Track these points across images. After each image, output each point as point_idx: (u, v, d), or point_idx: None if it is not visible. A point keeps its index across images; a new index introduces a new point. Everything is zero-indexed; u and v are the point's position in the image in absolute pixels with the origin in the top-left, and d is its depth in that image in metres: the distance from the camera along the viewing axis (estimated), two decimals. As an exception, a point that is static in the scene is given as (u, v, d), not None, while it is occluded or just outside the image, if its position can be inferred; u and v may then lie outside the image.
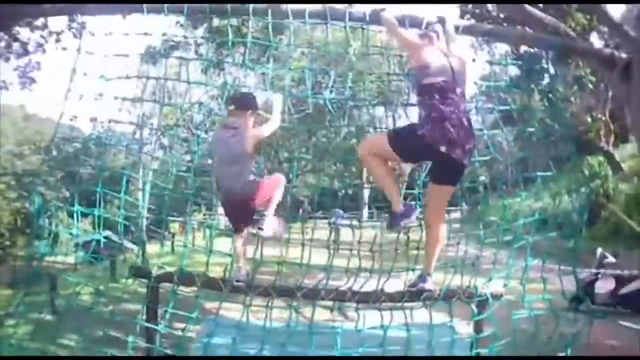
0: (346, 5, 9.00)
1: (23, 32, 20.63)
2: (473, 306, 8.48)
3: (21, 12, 13.79)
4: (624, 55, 10.38)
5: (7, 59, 21.10)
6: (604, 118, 32.67)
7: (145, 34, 9.62)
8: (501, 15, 17.95)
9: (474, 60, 9.46)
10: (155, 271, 8.39)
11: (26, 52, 21.41)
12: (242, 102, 8.42)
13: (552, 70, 26.02)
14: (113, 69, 9.01)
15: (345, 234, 9.61)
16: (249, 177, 8.20)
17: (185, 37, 16.63)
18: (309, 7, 8.32)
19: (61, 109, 8.58)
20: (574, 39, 12.15)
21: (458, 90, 7.32)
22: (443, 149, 7.03)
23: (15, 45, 20.88)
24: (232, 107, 8.36)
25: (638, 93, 10.35)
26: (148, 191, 17.85)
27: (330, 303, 8.42)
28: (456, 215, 10.81)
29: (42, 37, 21.29)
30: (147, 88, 18.75)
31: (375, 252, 8.88)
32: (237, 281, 8.15)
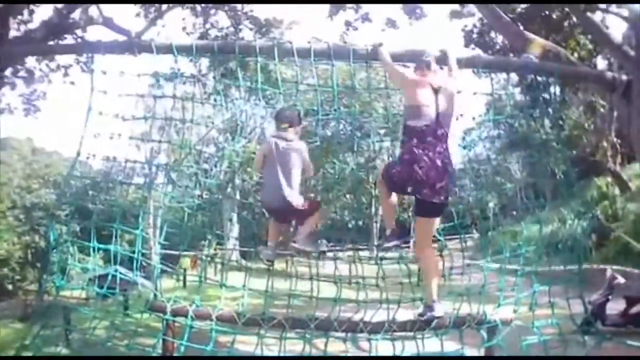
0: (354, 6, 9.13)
1: (30, 61, 20.71)
2: (483, 332, 8.54)
3: (32, 51, 14.02)
4: (624, 77, 10.48)
5: (14, 86, 21.13)
6: (610, 138, 32.69)
7: (154, 74, 9.79)
8: (505, 42, 18.09)
9: (460, 92, 9.50)
10: (170, 305, 8.48)
11: (32, 80, 21.49)
12: (293, 119, 8.56)
13: (558, 94, 26.15)
14: (123, 106, 9.18)
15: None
16: (298, 190, 8.40)
17: (196, 74, 16.81)
18: (313, 46, 8.47)
19: (73, 146, 8.77)
20: (575, 64, 12.27)
21: (439, 132, 7.60)
22: (409, 189, 7.53)
23: (22, 72, 20.95)
24: (284, 125, 8.45)
25: (638, 112, 10.44)
26: (159, 226, 17.98)
27: (343, 334, 8.50)
28: (468, 243, 10.83)
29: (47, 66, 21.39)
30: (156, 123, 18.86)
31: (379, 283, 9.00)
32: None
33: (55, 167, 60.71)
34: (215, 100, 14.13)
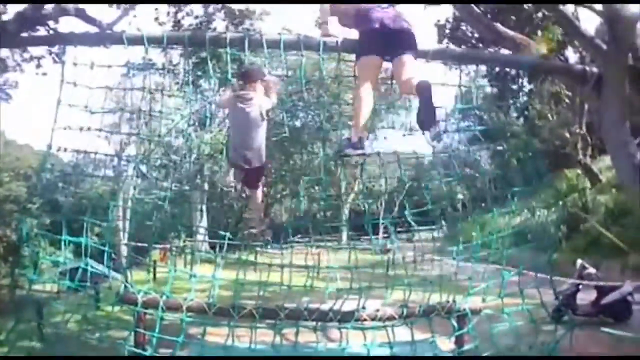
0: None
1: (3, 51, 20.53)
2: (453, 321, 8.63)
3: (4, 43, 13.88)
4: (595, 70, 10.57)
5: None
6: (581, 131, 32.85)
7: (125, 64, 9.78)
8: (476, 36, 18.13)
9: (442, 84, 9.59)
10: (141, 297, 8.49)
11: (5, 70, 21.31)
12: (251, 75, 8.90)
13: (528, 87, 26.34)
14: (93, 97, 9.16)
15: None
16: (264, 143, 8.83)
17: (166, 65, 16.68)
18: (283, 37, 8.52)
19: (44, 138, 8.76)
20: (545, 57, 12.33)
21: None
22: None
23: None
24: (242, 82, 8.85)
25: (609, 106, 10.52)
26: (128, 219, 17.93)
27: (313, 323, 8.57)
28: (436, 234, 10.92)
29: (20, 56, 21.22)
30: (125, 114, 18.83)
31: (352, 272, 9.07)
32: (251, 228, 8.66)
33: (26, 160, 60.21)
34: (184, 91, 14.13)
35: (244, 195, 9.50)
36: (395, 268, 9.69)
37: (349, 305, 8.65)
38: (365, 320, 8.37)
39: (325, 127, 11.81)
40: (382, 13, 7.96)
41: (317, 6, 9.13)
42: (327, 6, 8.37)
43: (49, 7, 16.79)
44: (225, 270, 9.75)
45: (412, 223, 9.66)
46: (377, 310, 8.48)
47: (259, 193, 9.25)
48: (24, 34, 13.03)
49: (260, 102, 8.74)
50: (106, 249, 9.22)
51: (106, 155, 12.06)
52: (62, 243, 9.02)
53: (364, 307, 8.49)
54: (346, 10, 8.27)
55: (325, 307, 8.65)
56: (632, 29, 10.66)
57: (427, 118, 7.20)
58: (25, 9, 16.36)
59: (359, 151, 7.89)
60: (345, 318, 8.36)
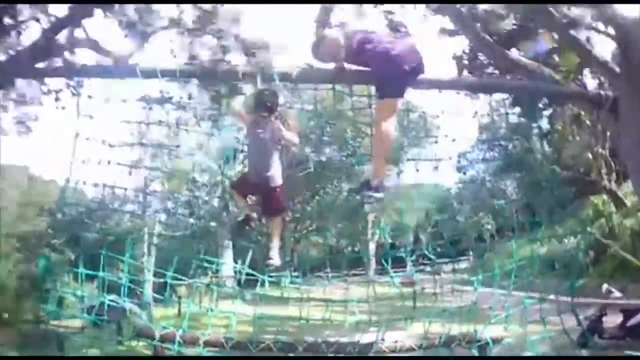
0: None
1: (21, 84, 20.59)
2: (474, 351, 8.54)
3: (17, 72, 14.00)
4: (610, 94, 10.49)
5: (6, 109, 21.00)
6: (604, 156, 32.66)
7: (143, 98, 9.81)
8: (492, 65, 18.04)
9: (476, 112, 9.57)
10: (158, 332, 8.49)
11: (24, 103, 21.37)
12: (272, 107, 8.68)
13: (549, 114, 26.16)
14: (114, 132, 9.20)
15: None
16: (278, 168, 8.79)
17: (184, 99, 16.62)
18: (295, 70, 8.50)
19: (65, 172, 8.80)
20: (560, 82, 12.26)
21: None
22: None
23: (12, 95, 20.83)
24: (263, 113, 8.58)
25: (626, 130, 10.42)
26: (154, 255, 17.94)
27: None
28: (465, 265, 10.90)
29: (40, 89, 21.30)
30: (149, 149, 18.92)
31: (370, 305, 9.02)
32: (269, 260, 8.60)
33: (51, 195, 60.38)
34: (205, 126, 14.14)
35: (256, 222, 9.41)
36: (419, 300, 9.64)
37: (367, 337, 8.59)
38: (384, 352, 8.30)
39: (350, 161, 11.77)
40: (403, 45, 7.91)
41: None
42: (334, 37, 8.25)
43: (62, 38, 17.00)
44: (251, 305, 9.73)
45: (432, 257, 9.58)
46: (396, 342, 8.40)
47: (279, 222, 9.17)
48: (39, 65, 13.16)
49: (277, 126, 8.68)
50: (124, 282, 9.20)
51: (130, 190, 12.09)
52: (79, 277, 9.06)
53: (382, 339, 8.41)
54: (357, 41, 8.13)
55: (344, 339, 8.59)
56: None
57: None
58: (39, 39, 16.58)
59: (378, 195, 7.84)
60: (364, 350, 8.28)
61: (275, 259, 8.63)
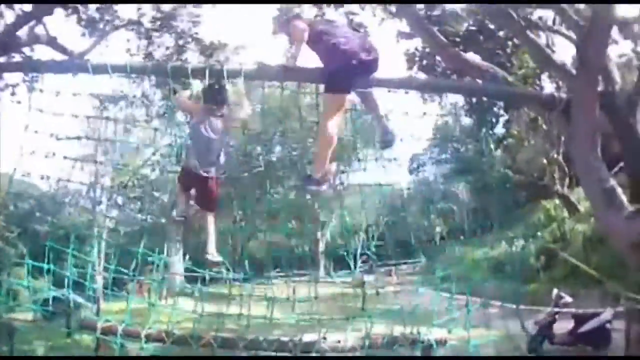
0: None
1: None
2: (418, 352, 8.58)
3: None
4: (564, 96, 10.57)
5: None
6: (557, 160, 32.90)
7: (96, 95, 9.74)
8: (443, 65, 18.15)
9: (424, 113, 9.60)
10: (100, 324, 8.46)
11: None
12: (221, 100, 8.76)
13: (505, 117, 26.35)
14: (64, 126, 9.15)
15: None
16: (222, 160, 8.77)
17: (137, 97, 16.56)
18: (244, 67, 8.49)
19: (15, 165, 8.74)
20: (513, 84, 12.34)
21: None
22: None
23: None
24: (212, 106, 8.65)
25: (577, 132, 10.50)
26: (103, 250, 17.81)
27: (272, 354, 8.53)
28: (416, 268, 10.96)
29: None
30: (101, 144, 18.77)
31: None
32: (213, 263, 8.60)
33: (5, 188, 59.93)
34: (158, 123, 14.09)
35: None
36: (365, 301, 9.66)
37: (309, 336, 8.60)
38: (326, 351, 8.32)
39: (301, 161, 11.78)
40: (357, 41, 7.94)
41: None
42: (302, 27, 8.23)
43: (22, 34, 16.87)
44: (196, 301, 9.73)
45: (374, 258, 9.63)
46: (339, 342, 8.42)
47: (213, 219, 9.09)
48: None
49: (230, 115, 8.80)
50: (69, 275, 9.17)
51: (81, 184, 12.06)
52: (28, 268, 9.04)
53: (324, 338, 8.42)
54: (317, 31, 8.14)
55: (285, 338, 8.60)
56: (601, 52, 10.67)
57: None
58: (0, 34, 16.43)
59: (320, 188, 7.85)
60: (305, 349, 8.29)
61: (213, 255, 8.62)
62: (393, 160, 9.94)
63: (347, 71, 7.80)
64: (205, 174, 8.50)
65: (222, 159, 8.71)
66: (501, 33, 17.82)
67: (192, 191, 8.98)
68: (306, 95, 10.45)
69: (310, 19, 8.69)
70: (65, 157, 9.48)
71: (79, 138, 10.05)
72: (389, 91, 8.88)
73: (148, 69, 8.93)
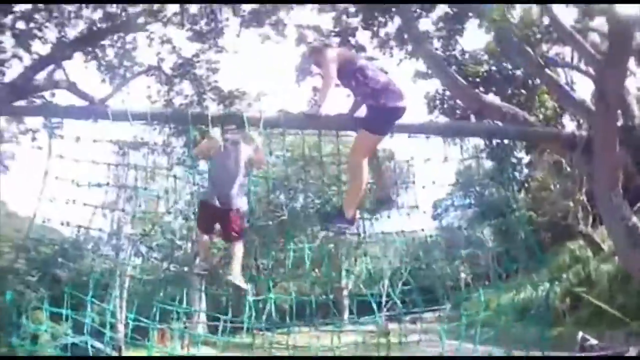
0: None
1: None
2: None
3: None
4: (584, 134, 10.46)
5: None
6: (581, 200, 32.63)
7: (117, 142, 9.76)
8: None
9: (446, 159, 9.55)
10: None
11: (1, 140, 21.18)
12: (237, 122, 8.66)
13: (527, 158, 26.14)
14: (86, 173, 9.15)
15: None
16: (241, 193, 8.89)
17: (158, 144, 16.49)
18: (264, 115, 8.45)
19: (47, 212, 8.77)
20: (533, 124, 12.24)
21: None
22: None
23: None
24: (231, 127, 8.70)
25: (599, 169, 10.38)
26: (124, 298, 17.72)
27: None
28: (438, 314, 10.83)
29: (17, 127, 21.13)
30: (123, 191, 18.75)
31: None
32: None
33: (23, 232, 60.12)
34: (183, 171, 14.08)
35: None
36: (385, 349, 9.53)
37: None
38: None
39: (324, 209, 11.69)
40: (396, 86, 8.08)
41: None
42: (333, 70, 8.22)
43: (40, 78, 16.97)
44: (218, 349, 9.66)
45: (399, 305, 9.52)
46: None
47: (240, 246, 8.95)
48: (17, 103, 13.05)
49: (246, 149, 8.82)
50: (87, 321, 9.12)
51: (101, 231, 12.05)
52: (47, 313, 9.02)
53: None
54: (356, 67, 8.26)
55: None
56: (620, 84, 10.57)
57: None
58: (16, 78, 16.54)
59: (351, 227, 7.82)
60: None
61: (237, 277, 8.54)
62: (416, 207, 9.86)
63: (390, 114, 7.96)
64: (225, 206, 8.42)
65: (241, 189, 8.82)
66: (520, 72, 17.76)
67: (217, 226, 8.91)
68: (328, 143, 10.41)
69: (347, 50, 8.72)
70: (85, 205, 9.49)
71: (99, 185, 10.06)
72: (410, 136, 8.84)
73: (168, 117, 8.91)
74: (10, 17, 18.33)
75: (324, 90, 8.34)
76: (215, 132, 8.85)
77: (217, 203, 8.53)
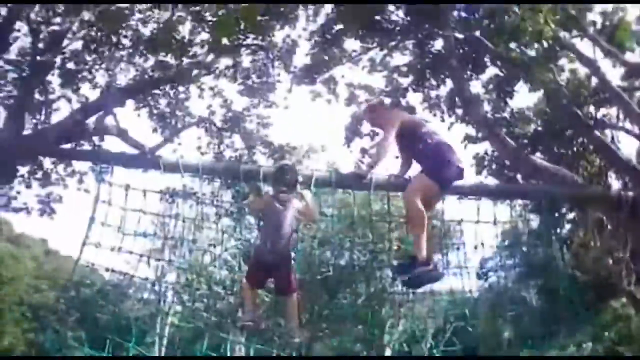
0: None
1: (46, 163, 20.60)
2: None
3: (45, 151, 14.10)
4: (630, 194, 10.40)
5: (30, 185, 20.95)
6: (625, 259, 32.27)
7: (162, 191, 9.86)
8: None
9: (495, 221, 9.54)
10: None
11: (48, 183, 21.33)
12: (290, 185, 8.66)
13: (569, 217, 25.99)
14: (132, 219, 9.24)
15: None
16: (292, 248, 8.85)
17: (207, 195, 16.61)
18: (316, 174, 8.54)
19: (88, 253, 8.86)
20: (581, 185, 12.20)
21: None
22: None
23: (38, 174, 20.80)
24: (281, 187, 8.59)
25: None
26: (165, 345, 17.77)
27: None
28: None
29: (64, 170, 21.28)
30: (167, 242, 18.93)
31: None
32: (243, 322, 8.53)
33: (66, 271, 60.40)
34: (222, 222, 14.17)
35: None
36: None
37: None
38: None
39: (371, 265, 11.68)
40: (456, 152, 8.30)
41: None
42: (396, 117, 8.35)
43: (90, 123, 17.23)
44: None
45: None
46: None
47: (295, 299, 8.95)
48: (66, 146, 13.24)
49: (296, 204, 8.68)
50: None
51: (145, 279, 12.13)
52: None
53: None
54: (420, 130, 8.41)
55: None
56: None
57: None
58: (65, 120, 16.80)
59: (428, 267, 7.78)
60: None
61: (298, 336, 8.54)
62: (464, 268, 9.84)
63: (454, 171, 8.15)
64: (277, 261, 8.46)
65: (293, 242, 8.75)
66: (568, 132, 17.73)
67: (269, 281, 8.90)
68: (376, 202, 10.44)
69: (410, 114, 8.84)
70: (131, 253, 9.58)
71: (145, 235, 10.13)
72: (459, 198, 8.87)
73: (219, 170, 9.01)
74: (59, 57, 18.66)
75: (381, 151, 8.44)
76: (268, 189, 8.93)
77: (270, 259, 8.56)
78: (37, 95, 18.29)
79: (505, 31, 12.66)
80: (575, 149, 18.09)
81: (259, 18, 15.26)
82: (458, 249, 10.40)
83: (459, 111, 16.92)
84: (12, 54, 18.58)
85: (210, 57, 18.19)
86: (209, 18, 16.72)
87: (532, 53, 12.95)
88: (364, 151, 8.93)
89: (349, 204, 9.40)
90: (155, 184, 9.82)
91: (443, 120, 17.46)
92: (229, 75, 20.05)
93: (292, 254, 8.91)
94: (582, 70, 16.33)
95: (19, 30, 18.28)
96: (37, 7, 17.72)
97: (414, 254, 7.88)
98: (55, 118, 18.78)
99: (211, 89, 20.76)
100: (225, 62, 19.30)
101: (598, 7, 15.55)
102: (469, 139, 18.06)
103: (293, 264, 8.86)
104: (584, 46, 15.27)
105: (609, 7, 15.57)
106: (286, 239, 8.50)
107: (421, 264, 7.70)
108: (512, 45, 13.05)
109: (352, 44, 17.23)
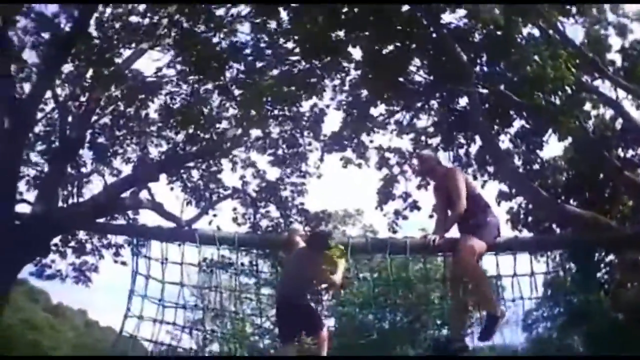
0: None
1: (80, 233, 20.57)
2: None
3: (78, 225, 14.31)
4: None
5: (64, 255, 20.96)
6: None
7: (200, 264, 9.95)
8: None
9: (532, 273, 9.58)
10: None
11: (83, 252, 21.33)
12: (320, 244, 8.61)
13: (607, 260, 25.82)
14: (172, 290, 9.36)
15: None
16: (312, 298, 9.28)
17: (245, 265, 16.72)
18: (351, 240, 8.65)
19: (129, 325, 8.96)
20: (614, 229, 12.21)
21: None
22: None
23: (72, 243, 20.81)
24: (314, 250, 8.56)
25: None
26: None
27: None
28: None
29: (99, 240, 21.26)
30: (208, 313, 19.03)
31: None
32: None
33: (106, 342, 60.50)
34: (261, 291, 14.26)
35: None
36: None
37: None
38: None
39: (414, 327, 11.72)
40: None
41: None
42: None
43: (125, 197, 17.43)
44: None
45: None
46: None
47: (325, 344, 8.89)
48: (101, 220, 13.42)
49: (325, 261, 8.63)
50: None
51: (187, 350, 12.20)
52: None
53: None
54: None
55: None
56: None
57: None
58: (99, 195, 17.01)
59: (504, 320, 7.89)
60: None
61: None
62: (505, 323, 9.87)
63: (497, 229, 8.51)
64: (298, 301, 8.46)
65: (311, 290, 8.73)
66: (599, 176, 17.72)
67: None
68: (417, 264, 10.51)
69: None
70: (173, 324, 9.68)
71: (184, 307, 10.21)
72: (496, 254, 8.91)
73: (256, 242, 9.09)
74: (89, 131, 18.91)
75: (455, 213, 8.41)
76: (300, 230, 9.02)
77: (289, 297, 8.54)
78: (69, 169, 18.51)
79: (527, 80, 12.73)
80: (607, 192, 18.07)
81: (284, 89, 15.43)
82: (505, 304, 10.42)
83: (490, 169, 16.91)
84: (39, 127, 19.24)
85: (239, 130, 18.35)
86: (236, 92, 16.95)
87: (556, 101, 13.03)
88: (397, 213, 9.05)
89: (385, 268, 9.44)
90: (193, 255, 9.88)
91: (476, 178, 17.42)
92: (258, 147, 20.51)
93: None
94: (608, 112, 16.41)
95: (46, 103, 18.77)
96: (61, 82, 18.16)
97: (490, 312, 7.92)
98: (88, 192, 19.15)
99: (243, 160, 21.10)
100: (254, 133, 19.50)
101: (616, 45, 15.75)
102: (502, 196, 17.99)
103: (313, 306, 8.82)
104: (606, 88, 15.43)
105: (626, 43, 15.77)
106: (305, 283, 8.66)
107: (496, 321, 7.80)
108: (536, 95, 13.13)
109: (378, 109, 17.34)
